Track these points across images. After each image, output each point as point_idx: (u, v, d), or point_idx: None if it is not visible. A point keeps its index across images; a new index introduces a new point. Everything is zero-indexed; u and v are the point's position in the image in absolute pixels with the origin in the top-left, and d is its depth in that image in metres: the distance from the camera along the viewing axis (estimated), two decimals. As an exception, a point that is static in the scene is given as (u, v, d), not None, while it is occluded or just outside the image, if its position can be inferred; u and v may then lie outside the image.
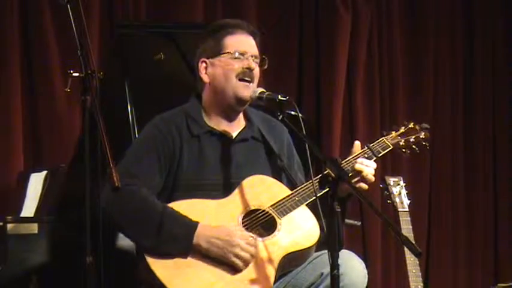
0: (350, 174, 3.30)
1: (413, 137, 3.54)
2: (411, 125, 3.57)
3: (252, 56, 3.34)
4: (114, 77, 3.85)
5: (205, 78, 3.37)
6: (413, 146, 3.54)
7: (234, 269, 3.12)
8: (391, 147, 3.48)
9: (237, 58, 3.32)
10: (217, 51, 3.34)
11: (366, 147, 3.42)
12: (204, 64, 3.37)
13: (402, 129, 3.55)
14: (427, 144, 3.57)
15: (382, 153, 3.44)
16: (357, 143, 3.41)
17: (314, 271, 3.16)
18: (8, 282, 3.68)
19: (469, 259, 5.98)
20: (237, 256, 3.12)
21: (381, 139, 3.49)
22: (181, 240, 3.12)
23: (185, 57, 4.00)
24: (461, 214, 5.98)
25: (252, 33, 3.40)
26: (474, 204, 6.01)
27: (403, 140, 3.52)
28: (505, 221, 6.04)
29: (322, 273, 3.13)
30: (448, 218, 5.94)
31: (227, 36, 3.35)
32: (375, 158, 3.41)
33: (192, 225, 3.14)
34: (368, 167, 3.31)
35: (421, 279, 4.03)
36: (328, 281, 3.05)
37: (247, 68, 3.31)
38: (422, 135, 3.55)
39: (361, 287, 3.17)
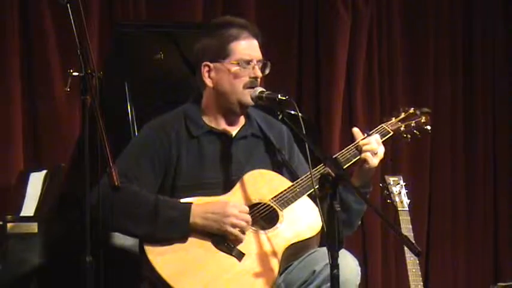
0: (354, 160, 3.33)
1: (414, 122, 3.53)
2: (411, 111, 3.56)
3: (257, 62, 3.33)
4: (114, 77, 3.85)
5: (209, 82, 3.35)
6: (415, 131, 3.52)
7: (237, 255, 3.13)
8: (392, 133, 3.47)
9: (244, 67, 3.30)
10: (221, 56, 3.31)
11: (366, 135, 3.41)
12: (206, 68, 3.35)
13: (402, 115, 3.54)
14: (429, 129, 3.55)
15: (383, 140, 3.43)
16: (355, 130, 3.41)
17: (306, 269, 3.17)
18: (8, 282, 3.67)
19: (469, 259, 5.98)
20: (233, 225, 3.14)
21: (380, 126, 3.48)
22: (178, 222, 3.14)
23: (185, 57, 4.00)
24: (461, 214, 5.98)
25: (256, 36, 3.38)
26: (474, 204, 6.01)
27: (403, 125, 3.51)
28: (505, 220, 6.04)
29: (314, 271, 3.13)
30: (448, 217, 5.94)
31: (232, 42, 3.31)
32: None
33: (186, 206, 3.17)
34: (369, 145, 3.30)
35: (420, 278, 4.03)
36: (320, 278, 3.09)
37: (254, 78, 3.31)
38: (423, 119, 3.54)
39: (354, 284, 3.15)
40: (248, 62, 3.31)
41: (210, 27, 3.41)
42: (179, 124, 3.34)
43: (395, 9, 5.84)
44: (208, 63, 3.34)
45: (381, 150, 3.35)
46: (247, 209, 3.19)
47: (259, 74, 3.32)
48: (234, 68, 3.30)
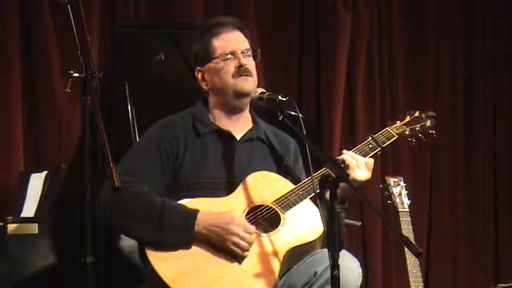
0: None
1: (419, 125, 3.50)
2: (416, 114, 3.53)
3: (242, 52, 3.34)
4: (114, 77, 3.85)
5: (205, 85, 3.39)
6: (420, 135, 3.50)
7: (237, 259, 3.14)
8: (396, 136, 3.45)
9: (228, 59, 3.32)
10: (207, 57, 3.35)
11: (370, 138, 3.40)
12: (200, 73, 3.38)
13: (407, 119, 3.52)
14: (434, 132, 3.53)
15: (387, 143, 3.41)
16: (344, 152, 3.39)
17: (308, 270, 3.16)
18: (8, 283, 3.68)
19: (469, 259, 5.98)
20: (235, 244, 3.13)
21: (385, 129, 3.46)
22: (182, 230, 3.13)
23: (185, 57, 4.00)
24: (461, 214, 5.98)
25: (238, 28, 3.39)
26: (474, 204, 6.01)
27: (408, 129, 3.48)
28: (505, 221, 6.04)
29: (316, 272, 3.12)
30: (448, 218, 5.94)
31: (213, 39, 3.35)
32: (379, 149, 3.39)
33: (192, 214, 3.16)
34: (353, 159, 3.29)
35: (421, 279, 4.04)
36: (321, 280, 3.08)
37: (239, 66, 3.31)
38: (428, 123, 3.51)
39: (355, 285, 3.14)
40: (231, 53, 3.33)
41: (194, 33, 3.43)
42: (187, 124, 3.36)
43: (396, 9, 5.84)
44: (200, 67, 3.39)
45: (362, 174, 3.30)
46: (252, 229, 3.17)
47: (244, 61, 3.32)
48: (220, 64, 3.33)
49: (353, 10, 5.63)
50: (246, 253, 3.14)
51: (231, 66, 3.32)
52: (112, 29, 4.87)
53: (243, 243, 3.14)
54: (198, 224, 3.14)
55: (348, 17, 5.59)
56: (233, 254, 3.15)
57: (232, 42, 3.35)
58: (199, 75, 3.39)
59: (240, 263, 3.15)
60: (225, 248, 3.14)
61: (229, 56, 3.32)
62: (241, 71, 3.31)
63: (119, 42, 4.11)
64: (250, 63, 3.35)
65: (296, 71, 5.60)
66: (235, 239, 3.13)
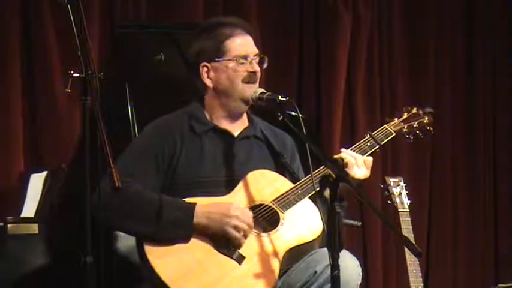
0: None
1: (417, 122, 3.50)
2: (414, 111, 3.53)
3: (254, 57, 3.35)
4: (114, 78, 3.85)
5: (209, 82, 3.38)
6: (418, 132, 3.50)
7: (237, 259, 3.14)
8: (394, 134, 3.45)
9: (242, 63, 3.32)
10: (218, 55, 3.34)
11: (368, 136, 3.40)
12: (205, 68, 3.37)
13: (405, 115, 3.52)
14: (432, 129, 3.53)
15: (385, 141, 3.42)
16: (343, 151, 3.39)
17: (307, 270, 3.17)
18: (8, 283, 3.68)
19: (469, 259, 5.98)
20: (235, 227, 3.14)
21: (383, 126, 3.46)
22: (182, 223, 3.15)
23: (185, 57, 4.00)
24: (461, 214, 5.98)
25: (249, 31, 3.41)
26: (474, 204, 6.01)
27: (406, 126, 3.49)
28: (505, 221, 6.04)
29: (315, 272, 3.13)
30: (448, 218, 5.94)
31: (227, 39, 3.35)
32: (378, 146, 3.39)
33: (190, 206, 3.17)
34: (352, 157, 3.29)
35: (421, 279, 4.04)
36: (321, 279, 3.09)
37: (252, 72, 3.32)
38: (426, 120, 3.52)
39: (355, 285, 3.15)
40: (244, 58, 3.34)
41: (201, 29, 3.43)
42: (183, 123, 3.36)
43: (396, 10, 5.84)
44: (206, 63, 3.37)
45: (361, 172, 3.31)
46: (250, 213, 3.19)
47: (257, 68, 3.35)
48: (232, 65, 3.33)
49: (353, 10, 5.63)
50: (243, 240, 3.14)
51: (244, 70, 3.33)
52: (112, 29, 4.86)
53: (243, 225, 3.14)
54: (197, 215, 3.15)
55: (348, 17, 5.59)
56: (233, 239, 3.14)
57: (246, 46, 3.36)
58: (204, 71, 3.37)
59: (240, 263, 3.15)
60: (224, 234, 3.14)
61: (242, 59, 3.33)
62: (252, 76, 3.33)
63: (119, 42, 4.11)
64: (259, 69, 3.36)
65: (296, 71, 5.59)
66: (235, 221, 3.14)
